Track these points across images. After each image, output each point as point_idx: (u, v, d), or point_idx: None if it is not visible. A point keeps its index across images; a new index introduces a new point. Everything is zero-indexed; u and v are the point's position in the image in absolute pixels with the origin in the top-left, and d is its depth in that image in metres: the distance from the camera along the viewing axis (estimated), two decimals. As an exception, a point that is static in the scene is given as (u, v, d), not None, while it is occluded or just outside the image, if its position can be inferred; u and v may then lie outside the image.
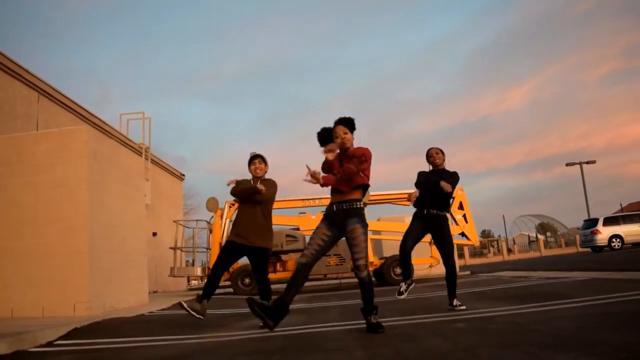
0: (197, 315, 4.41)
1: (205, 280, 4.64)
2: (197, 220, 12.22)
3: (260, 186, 4.42)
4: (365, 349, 2.92)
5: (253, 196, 4.48)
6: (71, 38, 76.80)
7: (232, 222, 8.64)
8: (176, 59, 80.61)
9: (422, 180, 4.74)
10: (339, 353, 2.85)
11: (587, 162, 30.52)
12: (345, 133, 3.73)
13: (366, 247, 3.66)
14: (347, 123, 3.77)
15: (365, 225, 3.69)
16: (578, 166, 30.34)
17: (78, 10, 73.36)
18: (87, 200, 6.03)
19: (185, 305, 4.38)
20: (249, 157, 4.70)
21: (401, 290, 4.72)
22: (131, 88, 77.33)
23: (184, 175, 19.30)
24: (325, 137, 3.82)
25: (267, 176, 4.75)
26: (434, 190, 4.64)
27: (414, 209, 4.90)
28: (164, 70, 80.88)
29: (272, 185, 4.66)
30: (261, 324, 4.30)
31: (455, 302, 4.56)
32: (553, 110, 79.71)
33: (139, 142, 14.40)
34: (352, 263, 3.66)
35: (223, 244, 4.74)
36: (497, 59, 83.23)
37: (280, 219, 11.50)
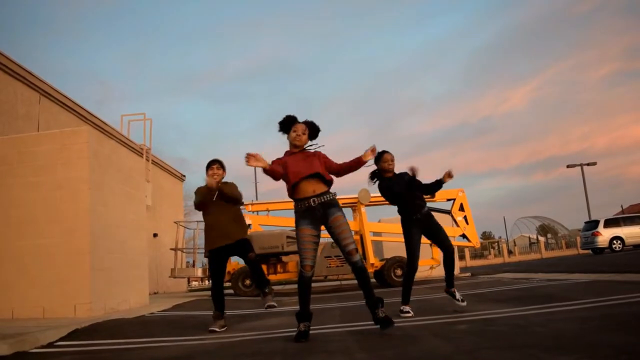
0: (224, 328, 4.47)
1: (211, 295, 4.64)
2: (197, 222, 12.21)
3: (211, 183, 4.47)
4: (366, 350, 2.92)
5: (216, 195, 4.53)
6: (72, 38, 76.99)
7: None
8: (177, 59, 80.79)
9: (393, 191, 4.64)
10: (340, 355, 2.84)
11: (588, 164, 30.53)
12: (304, 133, 3.72)
13: (351, 232, 3.65)
14: (311, 126, 3.77)
15: (343, 211, 3.69)
16: (579, 168, 30.36)
17: (79, 11, 73.49)
18: (88, 201, 6.04)
19: (217, 329, 4.36)
20: (207, 163, 4.69)
21: (405, 310, 4.51)
22: (132, 88, 77.53)
23: (184, 176, 19.32)
24: (286, 124, 3.76)
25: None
26: (408, 196, 4.61)
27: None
28: (165, 71, 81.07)
29: (232, 185, 4.69)
30: (266, 305, 4.40)
31: (457, 294, 4.53)
32: (554, 111, 79.81)
33: (139, 143, 14.42)
34: (341, 251, 3.61)
35: (208, 259, 4.73)
36: (498, 59, 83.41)
37: (281, 220, 11.51)
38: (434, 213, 4.90)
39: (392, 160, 4.69)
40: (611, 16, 70.70)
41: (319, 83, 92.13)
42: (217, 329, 4.35)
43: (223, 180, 4.72)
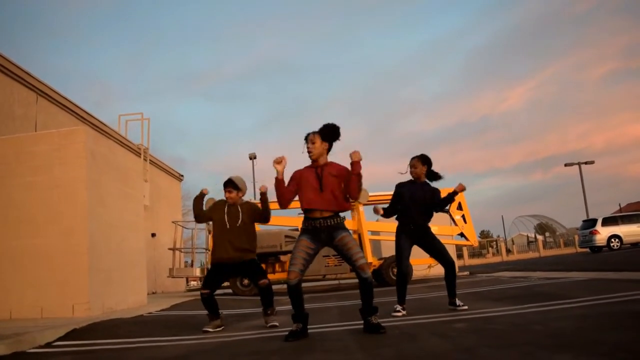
0: (220, 328, 4.45)
1: (202, 302, 4.53)
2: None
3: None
4: (364, 349, 2.92)
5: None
6: (71, 38, 76.73)
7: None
8: (176, 59, 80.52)
9: (405, 193, 4.73)
10: (338, 354, 2.85)
11: (586, 163, 30.59)
12: (313, 142, 3.68)
13: (359, 247, 3.65)
14: (322, 130, 3.69)
15: (349, 231, 3.71)
16: (577, 166, 30.42)
17: (78, 11, 73.31)
18: (85, 201, 6.02)
19: (210, 329, 4.35)
20: (224, 182, 4.58)
21: (398, 309, 4.53)
22: (131, 88, 77.28)
23: (182, 176, 19.30)
24: (331, 133, 3.69)
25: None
26: (422, 206, 4.69)
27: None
28: (163, 71, 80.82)
29: (248, 209, 4.62)
30: (269, 325, 4.36)
31: (457, 301, 4.54)
32: (552, 110, 79.74)
33: (137, 143, 14.40)
34: (352, 267, 3.56)
35: (209, 267, 4.65)
36: (496, 58, 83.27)
37: (279, 220, 11.50)
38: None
39: (414, 167, 4.78)
40: (609, 15, 70.81)
41: (317, 83, 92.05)
42: (210, 330, 4.34)
43: (244, 199, 4.70)
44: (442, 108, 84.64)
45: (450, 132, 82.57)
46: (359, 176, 3.58)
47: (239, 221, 4.51)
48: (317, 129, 3.73)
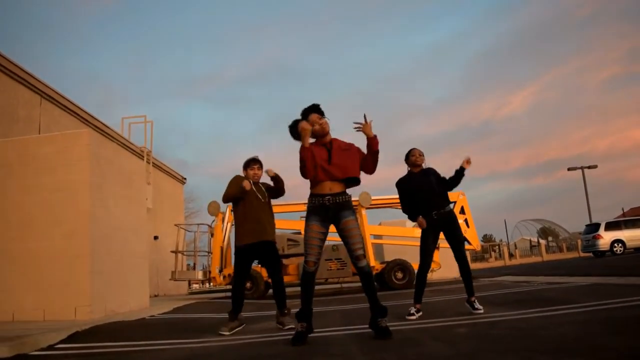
0: (239, 328, 4.43)
1: (231, 295, 4.55)
2: (198, 224, 12.21)
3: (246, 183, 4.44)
4: (366, 353, 2.91)
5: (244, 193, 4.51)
6: (74, 41, 77.10)
7: (233, 225, 8.62)
8: (179, 62, 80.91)
9: (411, 187, 4.70)
10: (340, 358, 2.84)
11: (589, 167, 30.49)
12: (321, 119, 3.64)
13: (361, 237, 3.60)
14: (318, 110, 3.68)
15: (356, 217, 3.68)
16: (580, 171, 30.32)
17: (81, 14, 73.66)
18: (88, 203, 6.04)
19: (226, 332, 4.30)
20: (246, 160, 4.68)
21: (412, 312, 4.52)
22: (134, 91, 77.59)
23: (185, 178, 19.34)
24: (296, 129, 3.69)
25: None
26: (427, 192, 4.64)
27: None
28: (167, 74, 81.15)
29: (266, 187, 4.75)
30: (286, 327, 4.35)
31: (476, 304, 4.48)
32: (555, 114, 79.70)
33: (140, 146, 14.44)
34: (349, 255, 3.56)
35: (235, 255, 4.63)
36: (498, 63, 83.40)
37: (281, 223, 11.48)
38: None
39: (421, 155, 4.78)
40: (611, 21, 70.82)
41: (319, 87, 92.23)
42: (226, 333, 4.29)
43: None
44: (444, 112, 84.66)
45: (452, 136, 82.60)
46: (378, 152, 3.61)
47: (266, 197, 4.64)
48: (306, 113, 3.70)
